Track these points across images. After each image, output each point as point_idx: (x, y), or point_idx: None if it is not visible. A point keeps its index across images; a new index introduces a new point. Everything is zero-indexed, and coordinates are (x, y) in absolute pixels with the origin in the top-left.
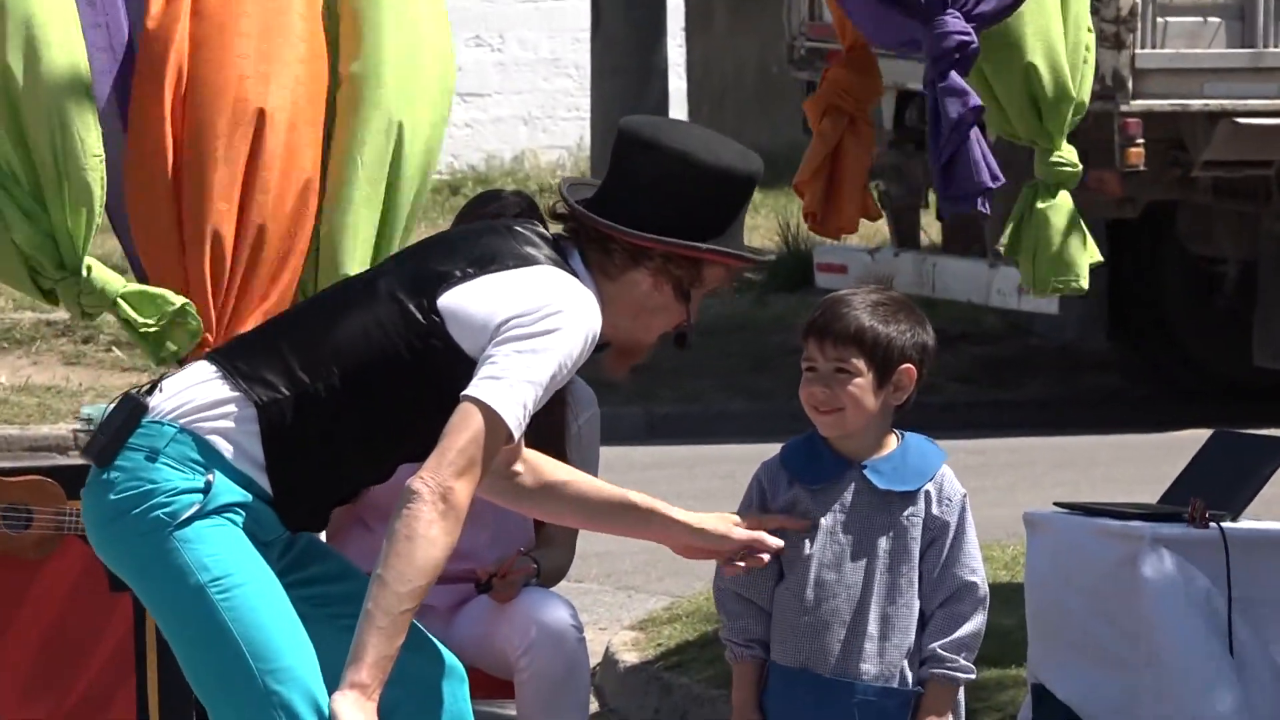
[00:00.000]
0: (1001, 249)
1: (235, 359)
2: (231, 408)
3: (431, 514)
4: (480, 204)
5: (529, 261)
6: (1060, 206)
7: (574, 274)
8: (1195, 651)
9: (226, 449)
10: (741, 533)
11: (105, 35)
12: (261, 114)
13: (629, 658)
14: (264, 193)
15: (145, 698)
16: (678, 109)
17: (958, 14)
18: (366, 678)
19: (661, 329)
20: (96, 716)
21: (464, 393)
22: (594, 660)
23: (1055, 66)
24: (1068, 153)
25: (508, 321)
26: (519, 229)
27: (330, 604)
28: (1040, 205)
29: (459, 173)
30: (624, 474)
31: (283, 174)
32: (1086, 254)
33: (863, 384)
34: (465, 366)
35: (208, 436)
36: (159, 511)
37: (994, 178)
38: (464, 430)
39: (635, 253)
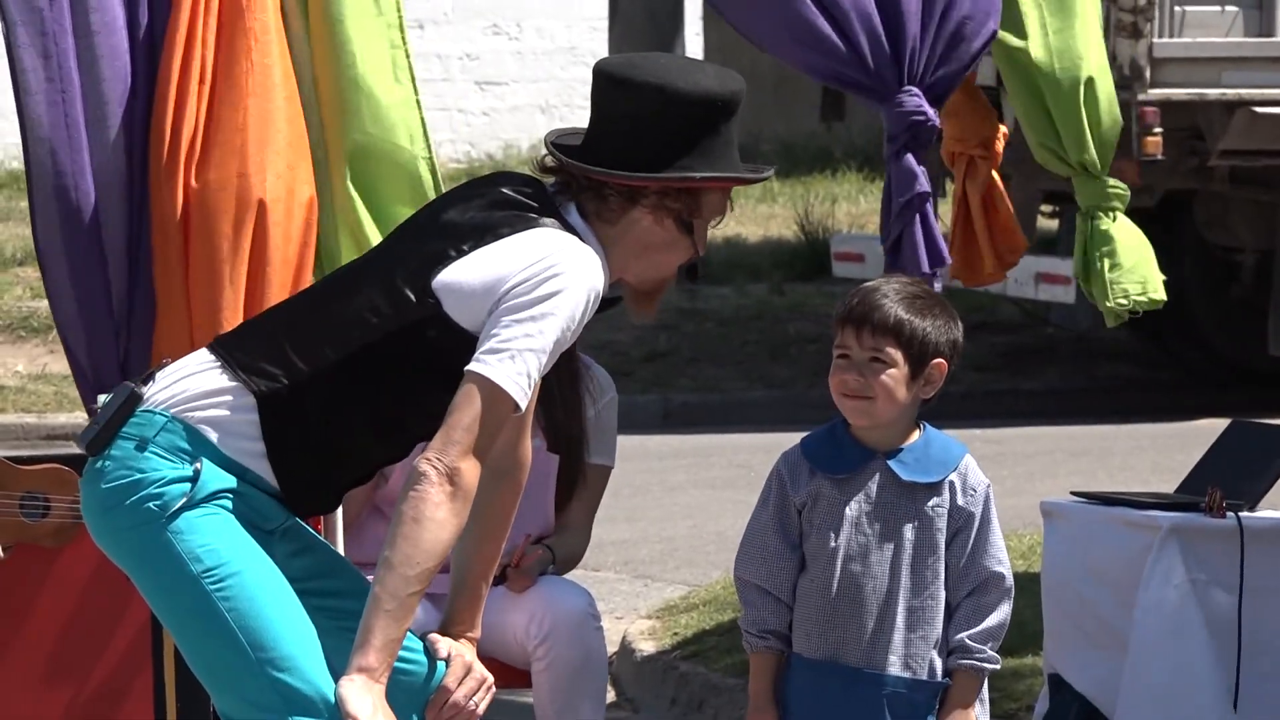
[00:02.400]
0: (1075, 279)
1: (233, 349)
2: (228, 397)
3: (439, 496)
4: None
5: (522, 226)
6: (1124, 223)
7: (571, 229)
8: (1197, 642)
9: (218, 437)
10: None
11: (60, 109)
12: (261, 205)
13: (646, 647)
14: (268, 269)
15: (163, 685)
16: None
17: (916, 90)
18: (374, 661)
19: (673, 264)
20: (114, 704)
21: (467, 368)
22: (611, 649)
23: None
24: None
25: (508, 292)
26: (509, 191)
27: (317, 595)
28: (1104, 226)
29: (476, 161)
30: (640, 462)
31: (285, 240)
32: (1155, 268)
33: (896, 375)
34: (466, 343)
35: (198, 425)
36: (150, 503)
37: (936, 261)
38: (468, 408)
39: (631, 194)
